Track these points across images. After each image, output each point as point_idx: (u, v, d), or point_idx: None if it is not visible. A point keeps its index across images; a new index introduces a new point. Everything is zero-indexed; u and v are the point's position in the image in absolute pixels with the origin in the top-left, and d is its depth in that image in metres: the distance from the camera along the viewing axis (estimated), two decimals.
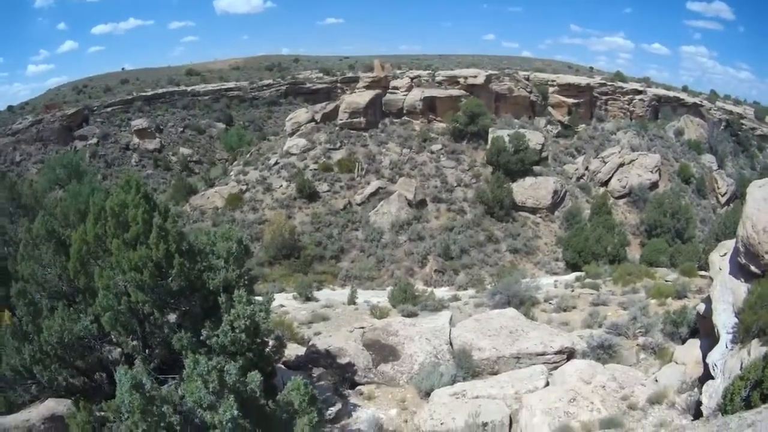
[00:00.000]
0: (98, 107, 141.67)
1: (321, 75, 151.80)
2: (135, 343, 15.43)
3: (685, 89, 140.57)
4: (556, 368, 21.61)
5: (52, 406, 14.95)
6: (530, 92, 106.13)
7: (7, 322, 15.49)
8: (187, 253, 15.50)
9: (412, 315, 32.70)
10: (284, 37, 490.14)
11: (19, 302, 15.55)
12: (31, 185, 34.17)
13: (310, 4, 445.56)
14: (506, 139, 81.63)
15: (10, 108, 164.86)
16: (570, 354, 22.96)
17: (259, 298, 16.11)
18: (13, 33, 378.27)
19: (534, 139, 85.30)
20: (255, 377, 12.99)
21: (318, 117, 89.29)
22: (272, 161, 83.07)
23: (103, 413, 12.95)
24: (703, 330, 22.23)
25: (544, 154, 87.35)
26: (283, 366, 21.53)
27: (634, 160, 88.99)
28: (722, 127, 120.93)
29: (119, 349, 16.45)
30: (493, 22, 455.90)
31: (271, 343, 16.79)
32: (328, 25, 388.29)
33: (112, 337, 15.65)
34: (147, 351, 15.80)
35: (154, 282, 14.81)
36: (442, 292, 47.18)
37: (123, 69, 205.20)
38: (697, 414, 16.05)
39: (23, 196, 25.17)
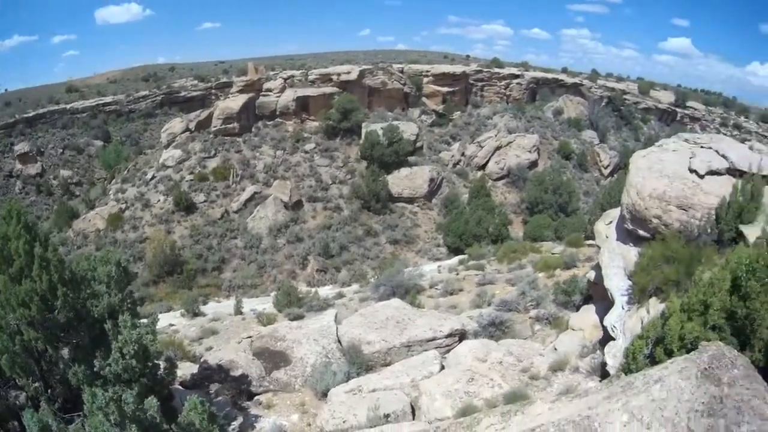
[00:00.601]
0: None
1: (196, 82, 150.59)
2: (36, 384, 14.89)
3: (564, 70, 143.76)
4: (449, 351, 21.74)
5: None
6: (404, 84, 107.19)
7: None
8: (70, 282, 14.88)
9: (299, 317, 32.95)
10: (162, 45, 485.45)
11: None
12: None
13: (187, 9, 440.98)
14: (380, 132, 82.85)
15: None
16: (462, 336, 23.04)
17: (145, 321, 15.35)
18: None
19: (408, 130, 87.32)
20: (152, 403, 12.67)
21: (192, 126, 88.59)
22: (149, 176, 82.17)
23: None
24: (597, 295, 23.40)
25: (418, 144, 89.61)
26: (180, 387, 21.07)
27: (511, 142, 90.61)
28: (603, 104, 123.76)
29: (24, 393, 15.46)
30: (369, 17, 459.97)
31: (162, 365, 15.88)
32: (205, 30, 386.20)
33: (16, 381, 14.91)
34: (49, 391, 15.20)
35: (43, 316, 14.26)
36: (326, 291, 47.70)
37: (6, 90, 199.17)
38: (604, 375, 16.21)
39: None
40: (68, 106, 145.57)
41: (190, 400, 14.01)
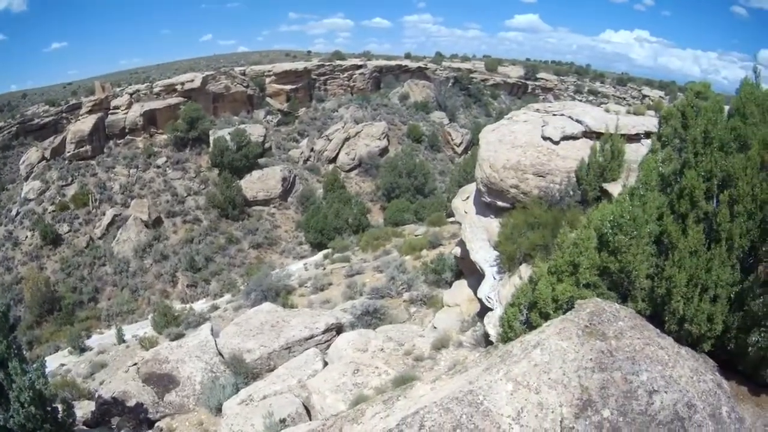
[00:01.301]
0: None
1: (47, 107, 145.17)
2: None
3: (408, 56, 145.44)
4: (328, 347, 22.31)
5: None
6: (247, 87, 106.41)
7: None
8: None
9: (179, 336, 31.83)
10: (13, 71, 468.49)
11: None
12: None
13: (33, 30, 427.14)
14: (227, 138, 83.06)
15: None
16: (339, 329, 23.67)
17: (34, 365, 15.52)
18: None
19: (255, 132, 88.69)
20: None
21: (48, 153, 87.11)
22: (14, 212, 79.69)
23: None
24: (467, 270, 23.96)
25: (267, 145, 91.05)
26: (84, 426, 21.06)
27: (359, 132, 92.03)
28: (450, 84, 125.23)
29: None
30: (210, 22, 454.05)
31: (60, 407, 16.04)
32: (53, 51, 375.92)
33: None
34: None
35: None
36: (200, 305, 47.80)
37: None
38: (489, 345, 16.49)
39: None
40: None
41: None
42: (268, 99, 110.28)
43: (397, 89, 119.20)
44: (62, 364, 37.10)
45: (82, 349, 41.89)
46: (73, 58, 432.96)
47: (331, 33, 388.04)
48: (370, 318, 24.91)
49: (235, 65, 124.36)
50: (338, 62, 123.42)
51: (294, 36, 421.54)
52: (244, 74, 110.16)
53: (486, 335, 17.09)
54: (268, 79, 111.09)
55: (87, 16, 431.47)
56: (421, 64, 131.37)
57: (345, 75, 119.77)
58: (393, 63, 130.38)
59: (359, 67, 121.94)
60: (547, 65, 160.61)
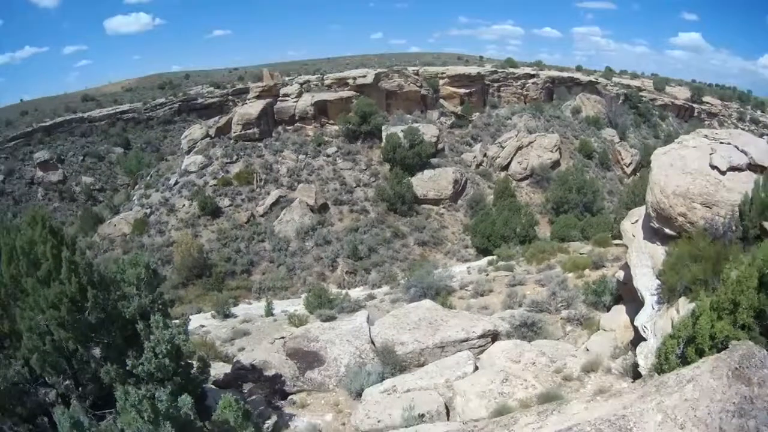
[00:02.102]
0: (1, 142, 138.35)
1: (212, 89, 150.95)
2: (67, 382, 15.13)
3: (579, 69, 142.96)
4: (482, 352, 21.81)
5: None
6: (420, 86, 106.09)
7: None
8: (99, 284, 15.04)
9: (330, 319, 32.48)
10: (174, 53, 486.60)
11: None
12: None
13: (198, 17, 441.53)
14: (400, 134, 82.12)
15: None
16: (494, 336, 23.07)
17: (176, 321, 15.99)
18: None
19: (428, 132, 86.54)
20: (186, 400, 12.83)
21: (212, 132, 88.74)
22: (172, 181, 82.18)
23: None
24: (627, 295, 22.97)
25: (440, 146, 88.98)
26: (213, 386, 21.17)
27: (532, 142, 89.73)
28: (620, 101, 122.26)
29: (55, 391, 15.55)
30: (380, 20, 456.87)
31: (195, 364, 16.55)
32: (216, 37, 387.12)
33: (46, 378, 15.12)
34: (80, 389, 15.43)
35: (73, 317, 14.37)
36: (357, 293, 47.55)
37: (21, 100, 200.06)
38: (636, 376, 16.26)
39: None
40: (86, 115, 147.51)
41: (224, 398, 14.74)
42: (441, 101, 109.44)
43: (569, 102, 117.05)
44: (202, 326, 38.86)
45: (226, 315, 43.41)
46: (238, 45, 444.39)
47: (502, 39, 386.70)
48: (527, 330, 24.70)
49: (407, 65, 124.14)
50: (511, 70, 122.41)
51: (465, 40, 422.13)
52: (417, 74, 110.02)
53: (635, 365, 16.72)
54: (441, 81, 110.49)
55: (254, 7, 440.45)
56: (592, 78, 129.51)
57: (518, 83, 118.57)
58: (565, 74, 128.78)
59: (532, 76, 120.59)
60: (711, 89, 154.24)
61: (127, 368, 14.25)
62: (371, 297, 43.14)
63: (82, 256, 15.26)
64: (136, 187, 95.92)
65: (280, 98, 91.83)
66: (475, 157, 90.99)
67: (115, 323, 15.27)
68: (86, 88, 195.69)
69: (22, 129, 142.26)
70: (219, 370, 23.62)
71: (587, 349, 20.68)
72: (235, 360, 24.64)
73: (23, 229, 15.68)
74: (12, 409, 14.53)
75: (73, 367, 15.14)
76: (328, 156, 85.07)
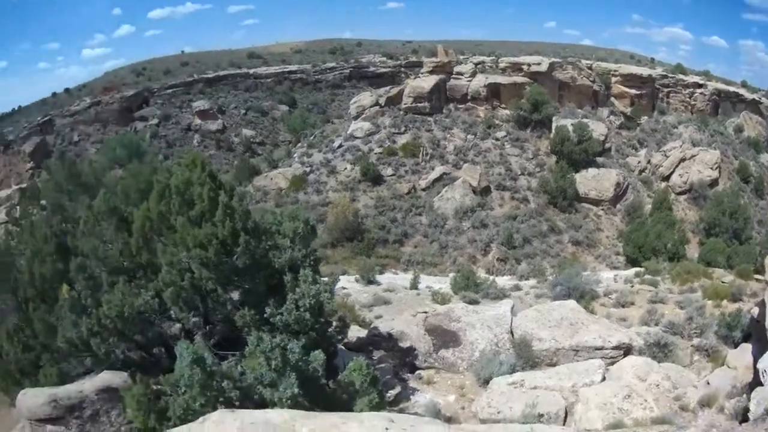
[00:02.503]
0: (158, 89, 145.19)
1: (384, 59, 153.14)
2: (196, 319, 16.08)
3: (744, 84, 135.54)
4: (612, 363, 21.68)
5: (107, 378, 15.29)
6: (593, 81, 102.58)
7: (65, 295, 15.45)
8: (252, 231, 15.79)
9: (473, 302, 31.78)
10: (345, 20, 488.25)
11: (79, 277, 15.77)
12: (91, 164, 34.71)
13: None
14: (570, 128, 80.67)
15: (67, 90, 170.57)
16: (627, 350, 23.02)
17: (325, 279, 16.75)
18: (66, 18, 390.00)
19: (597, 129, 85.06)
20: (318, 356, 13.49)
21: (382, 101, 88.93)
22: (336, 144, 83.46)
23: (159, 387, 13.54)
24: (756, 335, 21.89)
25: (607, 146, 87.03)
26: (343, 347, 21.17)
27: (695, 156, 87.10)
28: None
29: (178, 325, 16.85)
30: (554, 9, 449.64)
31: (334, 323, 16.89)
32: (389, 9, 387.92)
33: (172, 312, 15.98)
34: (207, 327, 16.30)
35: (219, 259, 15.16)
36: (503, 281, 46.58)
37: (182, 52, 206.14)
38: (744, 420, 15.79)
39: (83, 174, 25.77)
40: (251, 71, 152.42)
41: (356, 361, 15.11)
42: (612, 99, 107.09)
43: (733, 119, 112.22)
44: (344, 288, 38.55)
45: (370, 282, 43.81)
46: (410, 20, 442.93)
47: (672, 43, 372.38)
48: (658, 350, 23.93)
49: (581, 57, 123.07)
50: (680, 76, 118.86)
51: (637, 39, 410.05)
52: (590, 68, 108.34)
53: (746, 409, 15.98)
54: (613, 79, 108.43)
55: None
56: (756, 96, 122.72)
57: (686, 91, 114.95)
58: (730, 89, 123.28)
59: (700, 86, 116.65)
60: None
61: (264, 316, 14.85)
62: (517, 288, 42.15)
63: (240, 203, 16.17)
64: (298, 145, 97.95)
65: (453, 76, 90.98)
66: (639, 162, 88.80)
67: (261, 271, 15.96)
68: (252, 46, 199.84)
69: (182, 78, 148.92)
70: (353, 333, 23.77)
71: (708, 383, 19.66)
72: (372, 326, 25.31)
73: (179, 169, 16.64)
74: (130, 335, 15.63)
75: (206, 306, 16.03)
76: (497, 140, 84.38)
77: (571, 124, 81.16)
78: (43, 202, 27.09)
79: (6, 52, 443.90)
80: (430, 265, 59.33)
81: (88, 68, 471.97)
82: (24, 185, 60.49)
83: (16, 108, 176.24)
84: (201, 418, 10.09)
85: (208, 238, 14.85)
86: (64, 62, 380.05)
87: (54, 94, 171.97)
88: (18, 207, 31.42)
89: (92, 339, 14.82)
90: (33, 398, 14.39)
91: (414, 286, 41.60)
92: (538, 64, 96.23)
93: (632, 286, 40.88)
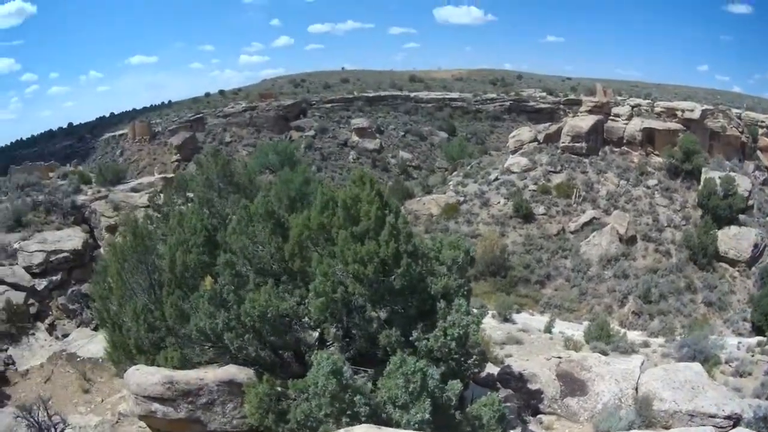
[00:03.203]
0: (317, 102, 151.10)
1: (544, 94, 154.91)
2: (336, 331, 16.30)
3: None
4: None
5: (232, 371, 15.93)
6: (741, 132, 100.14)
7: (207, 287, 16.15)
8: (412, 254, 15.71)
9: (603, 353, 30.97)
10: (506, 51, 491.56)
11: (225, 272, 16.27)
12: (246, 166, 36.79)
13: (531, 20, 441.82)
14: (717, 181, 77.21)
15: (221, 92, 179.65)
16: (736, 421, 21.40)
17: (475, 311, 16.26)
18: (225, 23, 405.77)
19: (742, 184, 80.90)
20: (456, 386, 13.75)
21: (541, 137, 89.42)
22: (492, 177, 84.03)
23: (282, 389, 14.48)
24: None
25: (750, 202, 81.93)
26: (471, 381, 20.40)
27: None
28: None
29: (316, 334, 17.86)
30: (707, 51, 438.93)
31: (474, 356, 16.79)
32: (548, 42, 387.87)
33: (310, 320, 16.62)
34: (346, 340, 16.54)
35: (377, 278, 15.28)
36: (633, 335, 47.13)
37: (343, 68, 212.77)
38: None
39: (236, 174, 26.11)
40: (412, 94, 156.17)
41: (490, 395, 15.17)
42: (758, 152, 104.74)
43: None
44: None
45: (506, 319, 45.29)
46: (569, 55, 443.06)
47: None
48: (763, 425, 21.89)
49: (730, 105, 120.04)
50: None
51: None
52: (739, 118, 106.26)
53: None
54: (760, 131, 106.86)
55: (590, 17, 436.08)
56: None
57: None
58: None
59: None
60: None
61: (410, 339, 15.00)
62: (646, 344, 41.83)
63: (405, 225, 16.08)
64: (454, 173, 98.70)
65: (610, 117, 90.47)
66: None
67: (415, 294, 15.95)
68: (414, 69, 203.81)
69: (342, 94, 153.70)
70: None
71: None
72: (505, 364, 25.46)
73: (347, 185, 16.99)
74: (266, 336, 16.19)
75: (351, 320, 16.18)
76: (648, 188, 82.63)
77: (719, 177, 78.49)
78: (189, 194, 28.50)
79: (160, 48, 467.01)
80: (567, 310, 59.87)
81: (244, 74, 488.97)
82: (168, 175, 62.35)
83: (167, 102, 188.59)
84: (344, 430, 11.44)
85: (369, 255, 15.11)
86: (219, 65, 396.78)
87: (207, 94, 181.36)
88: (161, 194, 34.75)
89: (226, 333, 15.72)
90: (146, 375, 15.55)
91: (548, 329, 43.13)
92: (692, 110, 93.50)
93: (753, 356, 40.11)
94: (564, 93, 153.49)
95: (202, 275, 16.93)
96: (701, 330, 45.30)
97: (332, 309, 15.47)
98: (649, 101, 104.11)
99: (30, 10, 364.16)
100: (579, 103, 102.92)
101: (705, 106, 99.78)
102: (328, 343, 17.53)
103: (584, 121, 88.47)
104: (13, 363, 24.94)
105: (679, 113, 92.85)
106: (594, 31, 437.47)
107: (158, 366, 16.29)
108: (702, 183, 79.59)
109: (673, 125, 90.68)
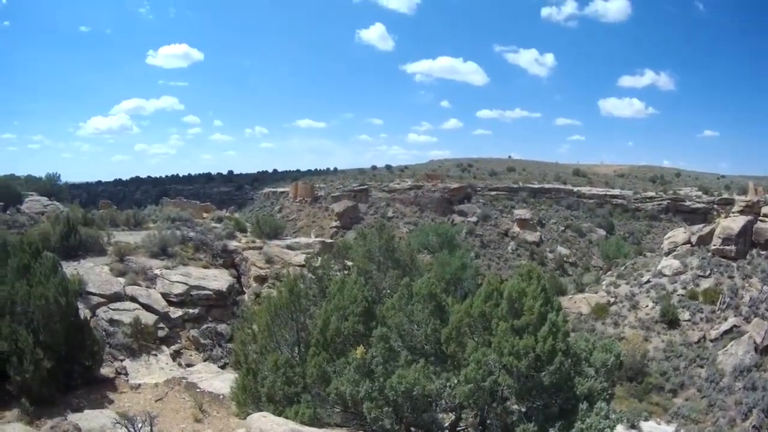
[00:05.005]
0: (482, 188, 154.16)
1: (700, 193, 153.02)
2: (474, 418, 17.22)
3: None
4: None
5: None
6: None
7: (357, 355, 16.74)
8: (565, 353, 16.05)
9: None
10: (666, 146, 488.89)
11: (378, 344, 16.90)
12: (409, 244, 36.23)
13: (690, 112, 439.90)
14: None
15: (388, 167, 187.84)
16: None
17: (613, 416, 16.09)
18: (396, 99, 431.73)
19: None
20: None
21: (693, 239, 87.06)
22: (644, 279, 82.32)
23: None
24: None
25: None
26: None
27: None
28: None
29: (452, 416, 18.16)
30: None
31: None
32: (706, 137, 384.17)
33: (449, 402, 16.88)
34: (480, 427, 17.00)
35: (528, 372, 15.65)
36: None
37: (509, 157, 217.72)
38: None
39: (397, 251, 27.63)
40: (575, 189, 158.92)
41: None
42: None
43: None
44: None
45: (633, 426, 44.09)
46: (725, 149, 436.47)
47: None
48: None
49: None
50: None
51: None
52: None
53: None
54: None
55: (746, 110, 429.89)
56: None
57: None
58: None
59: None
60: None
61: None
62: None
63: (564, 323, 16.62)
64: (608, 273, 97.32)
65: (759, 217, 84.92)
66: None
67: (561, 393, 16.24)
68: (577, 162, 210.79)
69: (507, 183, 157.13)
70: None
71: None
72: None
73: (515, 278, 17.49)
74: (405, 411, 16.60)
75: (491, 409, 16.57)
76: None
77: None
78: (348, 262, 29.65)
79: (329, 115, 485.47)
80: (692, 421, 57.73)
81: (410, 152, 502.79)
82: (327, 239, 64.22)
83: (332, 168, 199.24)
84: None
85: (526, 349, 15.51)
86: (387, 140, 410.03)
87: (374, 167, 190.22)
88: (318, 257, 34.48)
89: (366, 402, 16.14)
90: (272, 424, 15.66)
91: None
92: None
93: None
94: (718, 192, 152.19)
95: (352, 343, 17.98)
96: None
97: (477, 396, 15.95)
98: None
99: (196, 56, 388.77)
100: (732, 202, 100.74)
101: None
102: (460, 428, 18.36)
103: (735, 222, 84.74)
104: (126, 374, 26.14)
105: None
106: (749, 124, 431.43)
107: (286, 418, 16.68)
108: None
109: None
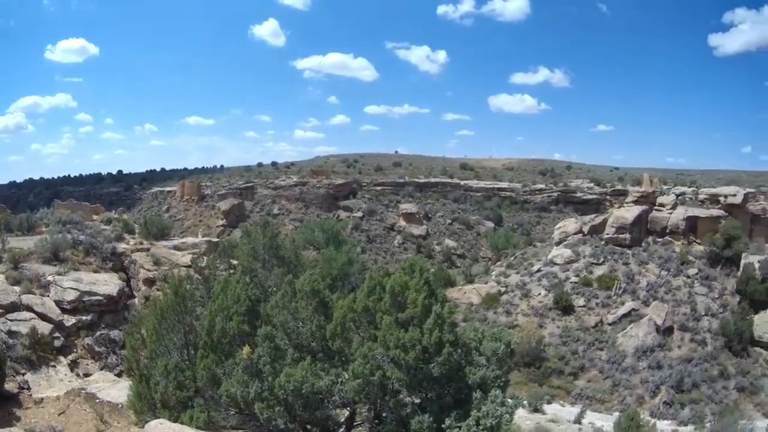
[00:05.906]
0: (368, 184, 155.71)
1: (592, 185, 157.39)
2: (368, 412, 17.34)
3: None
4: None
5: None
6: None
7: (243, 356, 16.60)
8: (453, 343, 15.97)
9: None
10: (557, 141, 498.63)
11: (264, 343, 16.66)
12: (294, 241, 36.35)
13: (583, 108, 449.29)
14: (756, 266, 75.41)
15: (274, 164, 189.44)
16: None
17: (509, 401, 16.41)
18: (284, 96, 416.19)
19: None
20: None
21: (586, 229, 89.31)
22: (535, 268, 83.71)
23: None
24: None
25: None
26: None
27: None
28: None
29: (346, 412, 18.19)
30: (749, 133, 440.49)
31: None
32: (599, 132, 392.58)
33: (342, 399, 16.88)
34: (376, 421, 17.27)
35: (417, 364, 15.61)
36: (663, 425, 46.93)
37: (396, 152, 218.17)
38: None
39: (282, 248, 26.92)
40: (462, 182, 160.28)
41: None
42: None
43: None
44: None
45: (536, 410, 44.06)
46: (619, 144, 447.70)
47: None
48: None
49: None
50: None
51: None
52: None
53: None
54: None
55: (638, 106, 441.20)
56: None
57: None
58: None
59: None
60: None
61: (442, 426, 15.24)
62: None
63: (449, 314, 16.39)
64: (498, 263, 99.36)
65: (655, 207, 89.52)
66: None
67: (453, 383, 16.38)
68: (465, 157, 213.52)
69: (393, 178, 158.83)
70: None
71: None
72: None
73: (397, 271, 17.42)
74: (297, 410, 16.53)
75: (384, 403, 16.77)
76: (688, 277, 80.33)
77: (758, 261, 76.76)
78: (233, 261, 28.86)
79: (217, 112, 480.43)
80: (598, 401, 58.91)
81: (297, 148, 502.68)
82: (213, 239, 63.20)
83: (219, 166, 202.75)
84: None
85: (412, 342, 15.51)
86: (274, 137, 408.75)
87: (260, 164, 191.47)
88: (204, 258, 33.82)
89: (257, 402, 16.19)
90: (170, 431, 15.64)
91: (578, 420, 42.60)
92: (734, 195, 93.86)
93: None
94: (611, 183, 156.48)
95: (239, 343, 17.54)
96: (731, 416, 45.31)
97: (368, 391, 15.95)
98: (693, 189, 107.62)
99: (92, 51, 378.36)
100: (625, 193, 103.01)
101: (747, 190, 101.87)
102: (356, 423, 18.41)
103: (629, 212, 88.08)
104: (29, 388, 25.12)
105: (722, 199, 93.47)
106: (643, 117, 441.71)
107: (182, 423, 16.56)
108: (741, 268, 78.17)
109: (715, 212, 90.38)
